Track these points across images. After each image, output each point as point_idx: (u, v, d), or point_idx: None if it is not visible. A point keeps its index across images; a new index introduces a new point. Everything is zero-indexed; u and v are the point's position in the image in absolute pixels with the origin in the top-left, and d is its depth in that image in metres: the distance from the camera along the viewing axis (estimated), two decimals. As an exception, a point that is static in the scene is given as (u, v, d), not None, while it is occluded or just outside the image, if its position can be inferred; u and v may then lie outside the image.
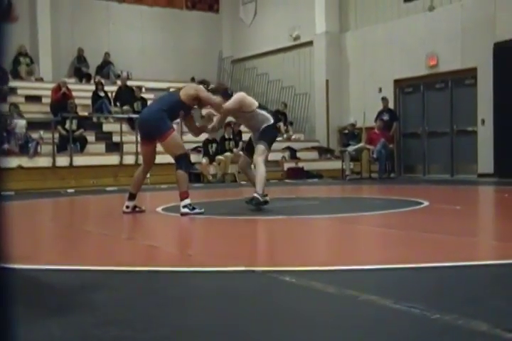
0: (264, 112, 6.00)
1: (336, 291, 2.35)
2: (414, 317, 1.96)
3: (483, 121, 11.79)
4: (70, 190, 10.27)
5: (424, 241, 3.75)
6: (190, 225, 5.25)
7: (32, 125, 11.67)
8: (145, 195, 7.89)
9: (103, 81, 14.64)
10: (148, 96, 14.49)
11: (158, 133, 5.57)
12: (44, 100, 13.66)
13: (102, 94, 13.74)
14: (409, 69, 13.08)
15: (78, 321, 2.04)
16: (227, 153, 12.31)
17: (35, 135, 11.39)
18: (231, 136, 12.62)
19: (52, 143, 11.21)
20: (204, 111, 6.10)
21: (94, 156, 11.83)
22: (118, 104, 13.92)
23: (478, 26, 11.67)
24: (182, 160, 5.62)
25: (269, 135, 5.97)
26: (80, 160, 11.40)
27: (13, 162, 10.44)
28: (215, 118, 6.21)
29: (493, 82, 11.37)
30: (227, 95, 5.93)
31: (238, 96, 6.03)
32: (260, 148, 5.86)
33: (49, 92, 13.22)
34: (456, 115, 12.46)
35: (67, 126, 11.74)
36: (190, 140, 11.17)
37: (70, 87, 13.49)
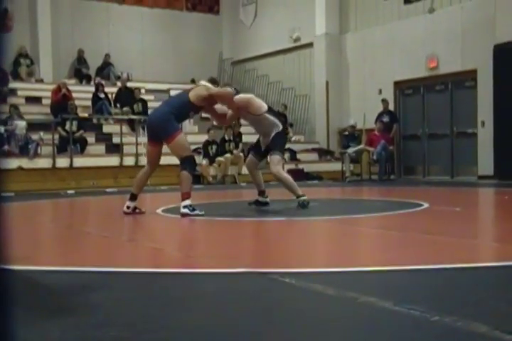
0: (272, 118, 6.08)
1: (336, 293, 2.35)
2: (414, 319, 1.96)
3: (483, 123, 11.79)
4: (70, 191, 10.27)
5: (424, 243, 3.75)
6: (191, 227, 5.25)
7: (32, 126, 11.68)
8: (145, 197, 7.89)
9: (103, 82, 14.64)
10: (149, 97, 14.52)
11: (164, 134, 5.59)
12: (44, 101, 13.66)
13: (102, 95, 13.74)
14: (410, 71, 13.08)
15: (78, 322, 2.04)
16: (227, 155, 12.31)
17: (35, 136, 11.39)
18: (231, 138, 12.63)
19: (52, 144, 11.21)
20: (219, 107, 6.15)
21: (94, 157, 11.83)
22: (118, 105, 13.93)
23: (478, 28, 11.68)
24: (188, 161, 5.64)
25: (280, 143, 6.23)
26: (80, 162, 11.40)
27: (13, 163, 10.45)
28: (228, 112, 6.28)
29: (493, 83, 11.37)
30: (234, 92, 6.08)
31: (247, 95, 6.26)
32: (275, 158, 6.09)
33: (49, 93, 13.24)
34: (456, 117, 12.47)
35: (67, 127, 11.74)
36: (190, 141, 11.11)
37: (70, 88, 13.50)
